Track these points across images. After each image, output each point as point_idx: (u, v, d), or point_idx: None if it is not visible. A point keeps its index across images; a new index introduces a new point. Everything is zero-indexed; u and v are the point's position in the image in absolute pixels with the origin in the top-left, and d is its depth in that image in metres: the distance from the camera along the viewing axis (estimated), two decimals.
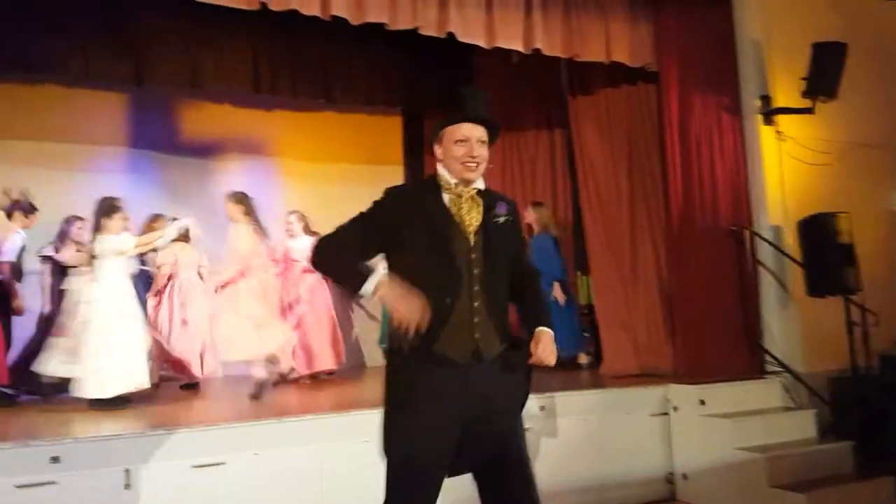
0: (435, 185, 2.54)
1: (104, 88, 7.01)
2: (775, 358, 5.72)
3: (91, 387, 5.15)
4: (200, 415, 5.04)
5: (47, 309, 6.20)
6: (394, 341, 2.49)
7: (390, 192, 2.56)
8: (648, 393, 5.34)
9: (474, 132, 2.49)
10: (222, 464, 4.13)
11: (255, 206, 5.75)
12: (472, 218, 2.49)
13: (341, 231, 2.55)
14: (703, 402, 5.19)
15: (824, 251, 5.50)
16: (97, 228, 5.31)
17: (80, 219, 6.27)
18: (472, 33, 5.53)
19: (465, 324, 2.42)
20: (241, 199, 5.72)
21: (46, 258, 6.27)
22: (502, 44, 5.63)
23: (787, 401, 5.58)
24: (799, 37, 6.02)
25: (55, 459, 3.81)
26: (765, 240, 5.91)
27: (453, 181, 2.51)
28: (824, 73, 5.85)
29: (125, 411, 5.13)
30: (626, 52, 6.07)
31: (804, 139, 6.08)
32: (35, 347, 5.97)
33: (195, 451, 4.12)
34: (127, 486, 3.91)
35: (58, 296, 6.09)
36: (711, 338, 5.80)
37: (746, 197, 6.05)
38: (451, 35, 5.46)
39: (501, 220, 2.54)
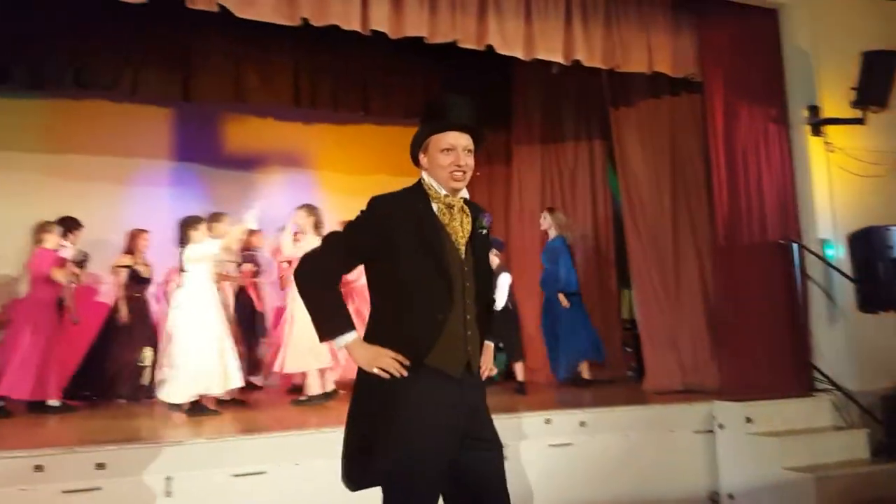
0: (423, 194, 2.45)
1: (152, 104, 7.20)
2: (825, 375, 5.56)
3: (171, 390, 5.29)
4: (241, 423, 5.09)
5: (125, 317, 6.37)
6: None
7: (379, 202, 2.44)
8: (693, 410, 5.23)
9: (460, 140, 2.42)
10: (263, 473, 4.16)
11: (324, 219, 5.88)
12: (462, 229, 2.45)
13: (327, 250, 2.48)
14: (749, 420, 5.06)
15: (877, 265, 5.35)
16: (184, 240, 5.51)
17: (145, 231, 6.47)
18: (510, 45, 5.53)
19: (459, 337, 2.39)
20: (313, 210, 5.84)
21: (123, 268, 6.42)
22: (542, 55, 5.62)
23: (837, 420, 5.41)
24: (848, 46, 5.90)
25: (100, 466, 3.89)
26: (814, 254, 5.76)
27: (442, 191, 2.44)
28: (875, 82, 5.72)
29: (179, 415, 5.23)
30: (669, 62, 6.00)
31: (854, 150, 5.93)
32: (105, 355, 6.20)
33: (236, 459, 4.17)
34: (168, 493, 3.96)
35: (134, 304, 6.37)
36: (758, 354, 5.67)
37: (794, 209, 5.92)
38: (489, 47, 5.47)
39: (485, 231, 2.50)
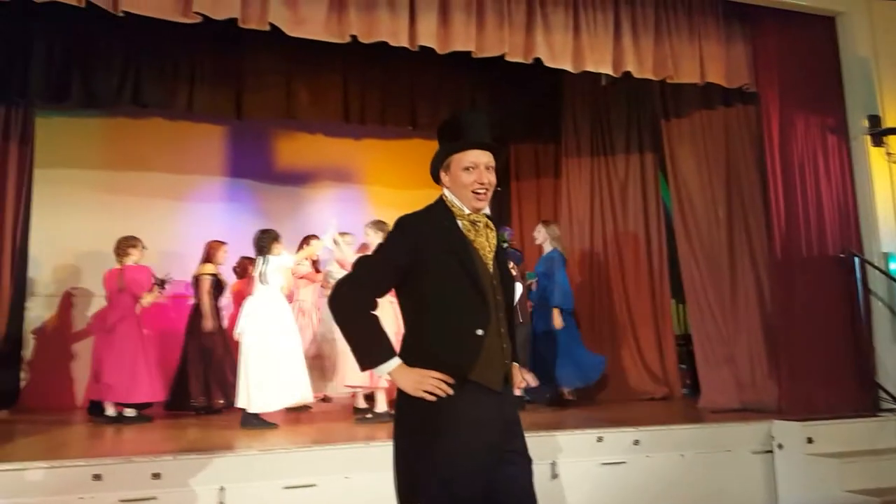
0: (447, 211, 2.48)
1: (206, 121, 7.37)
2: (890, 394, 5.39)
3: (245, 400, 5.40)
4: (293, 435, 5.14)
5: (210, 325, 6.48)
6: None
7: (408, 221, 2.46)
8: (751, 429, 5.07)
9: (482, 158, 2.46)
10: (313, 485, 4.18)
11: None
12: (488, 244, 2.48)
13: (362, 274, 2.47)
14: (810, 441, 4.90)
15: None
16: (263, 252, 5.63)
17: (224, 243, 6.58)
18: (559, 58, 5.50)
19: (497, 351, 2.41)
20: (383, 227, 5.80)
21: (208, 276, 6.53)
22: (591, 67, 5.57)
23: None
24: None
25: (156, 476, 3.96)
26: (876, 268, 5.59)
27: (465, 208, 2.47)
28: None
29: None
30: (722, 72, 5.89)
31: None
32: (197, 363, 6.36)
33: (287, 471, 4.19)
34: (221, 503, 4.01)
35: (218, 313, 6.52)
36: (819, 371, 5.49)
37: (855, 222, 5.78)
38: (537, 60, 5.45)
39: (506, 245, 2.52)
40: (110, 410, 5.91)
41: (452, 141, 2.50)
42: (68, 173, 7.35)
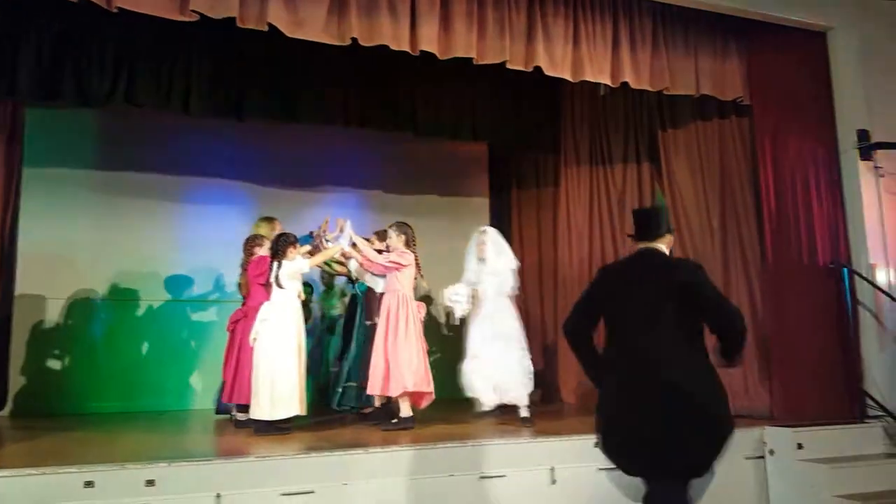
0: None
1: (205, 122, 7.28)
2: (876, 402, 5.48)
3: (254, 407, 5.31)
4: (292, 442, 5.09)
5: None
6: None
7: None
8: (743, 435, 5.14)
9: None
10: (311, 492, 4.16)
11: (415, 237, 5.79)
12: None
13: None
14: (800, 447, 5.02)
15: None
16: (279, 256, 5.48)
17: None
18: (558, 67, 5.55)
19: None
20: (405, 229, 5.74)
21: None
22: (589, 77, 5.64)
23: (890, 447, 5.34)
24: None
25: (150, 483, 3.91)
26: (864, 278, 5.70)
27: None
28: None
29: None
30: (717, 85, 6.00)
31: None
32: None
33: (285, 478, 4.17)
34: None
35: None
36: (809, 379, 5.59)
37: (844, 233, 5.88)
38: (537, 69, 5.50)
39: None
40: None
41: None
42: (60, 172, 7.23)
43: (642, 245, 3.39)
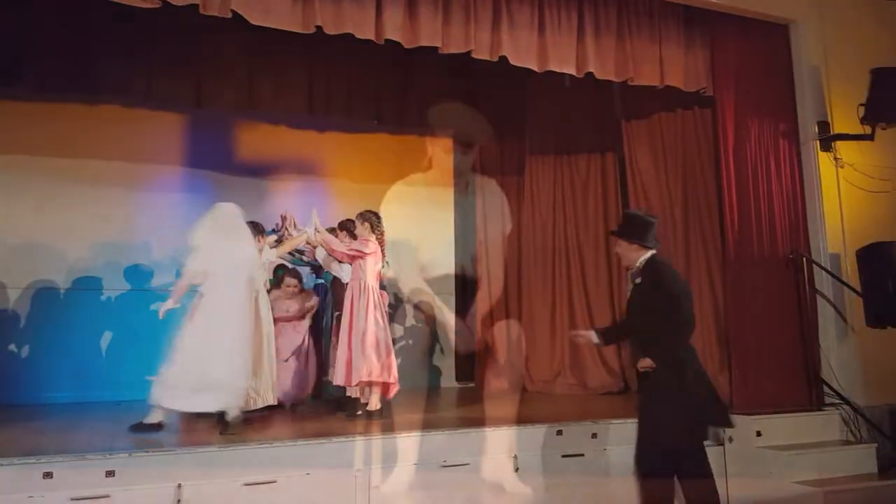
0: None
1: (164, 109, 7.17)
2: (834, 390, 5.59)
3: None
4: (252, 433, 5.04)
5: None
6: None
7: None
8: None
9: None
10: (273, 482, 4.15)
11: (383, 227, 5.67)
12: None
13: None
14: (759, 434, 5.11)
15: (884, 281, 5.35)
16: None
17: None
18: (524, 57, 5.55)
19: None
20: (368, 216, 5.61)
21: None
22: (555, 67, 5.63)
23: (846, 434, 5.46)
24: (857, 62, 5.99)
25: (110, 473, 3.87)
26: (823, 268, 5.79)
27: None
28: (884, 98, 5.80)
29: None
30: (681, 76, 6.02)
31: (863, 166, 5.98)
32: None
33: (247, 468, 4.15)
34: (178, 501, 3.95)
35: None
36: (768, 368, 5.67)
37: (804, 224, 5.96)
38: (503, 58, 5.48)
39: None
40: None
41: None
42: (17, 160, 7.08)
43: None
